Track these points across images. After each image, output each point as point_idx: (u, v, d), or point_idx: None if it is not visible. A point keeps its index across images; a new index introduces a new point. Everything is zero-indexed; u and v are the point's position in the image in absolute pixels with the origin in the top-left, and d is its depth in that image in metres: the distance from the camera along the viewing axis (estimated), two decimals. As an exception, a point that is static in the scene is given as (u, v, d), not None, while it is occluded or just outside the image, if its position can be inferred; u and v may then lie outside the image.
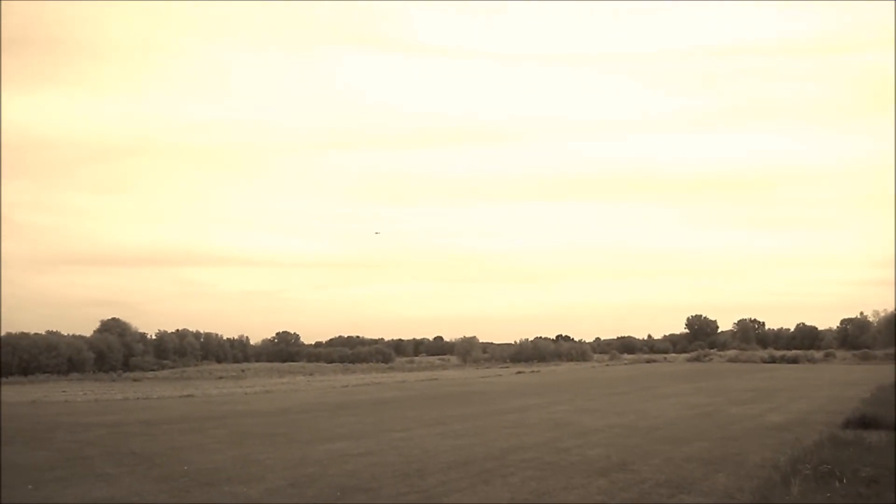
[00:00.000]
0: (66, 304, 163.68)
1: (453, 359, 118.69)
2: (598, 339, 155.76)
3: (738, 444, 16.65)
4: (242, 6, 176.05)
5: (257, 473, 13.40)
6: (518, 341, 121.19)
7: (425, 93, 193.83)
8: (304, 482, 12.51)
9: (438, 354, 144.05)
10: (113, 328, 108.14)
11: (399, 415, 25.35)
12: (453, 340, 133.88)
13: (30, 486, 12.27)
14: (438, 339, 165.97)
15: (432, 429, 20.52)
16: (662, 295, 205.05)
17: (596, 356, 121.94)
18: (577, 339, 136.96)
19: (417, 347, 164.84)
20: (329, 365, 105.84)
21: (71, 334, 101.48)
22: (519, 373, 67.20)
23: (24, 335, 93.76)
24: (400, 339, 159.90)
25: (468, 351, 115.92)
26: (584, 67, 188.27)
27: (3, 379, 76.64)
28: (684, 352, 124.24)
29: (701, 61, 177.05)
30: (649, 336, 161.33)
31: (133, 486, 12.26)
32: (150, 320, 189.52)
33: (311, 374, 78.94)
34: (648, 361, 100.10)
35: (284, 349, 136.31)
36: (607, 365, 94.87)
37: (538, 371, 71.78)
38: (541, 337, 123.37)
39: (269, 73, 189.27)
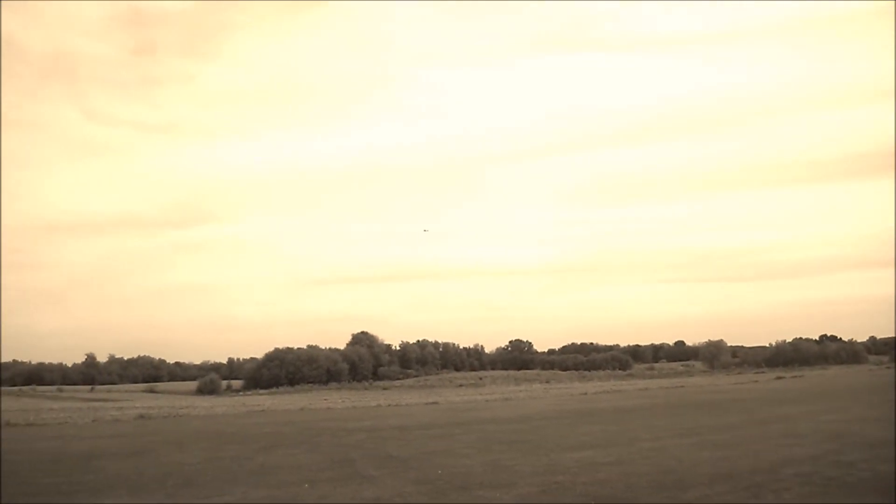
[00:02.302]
0: (323, 320, 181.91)
1: (698, 364, 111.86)
2: (872, 337, 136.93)
3: None
4: (437, 27, 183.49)
5: (508, 479, 13.33)
6: (774, 343, 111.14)
7: (629, 88, 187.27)
8: (555, 489, 12.18)
9: (681, 360, 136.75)
10: (362, 341, 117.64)
11: (646, 423, 24.08)
12: (697, 345, 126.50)
13: (306, 485, 13.33)
14: (680, 343, 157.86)
15: (686, 438, 19.11)
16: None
17: (872, 358, 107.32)
18: (845, 338, 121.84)
19: (657, 353, 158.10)
20: (564, 372, 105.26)
21: (328, 347, 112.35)
22: (778, 378, 61.06)
23: (289, 350, 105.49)
24: (637, 345, 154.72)
25: (715, 355, 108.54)
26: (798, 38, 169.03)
27: (275, 389, 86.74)
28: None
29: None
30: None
31: (395, 488, 12.80)
32: (395, 332, 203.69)
33: (547, 382, 78.96)
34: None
35: (518, 357, 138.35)
36: (888, 367, 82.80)
37: (801, 375, 64.81)
38: (801, 338, 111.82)
39: (477, 87, 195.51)
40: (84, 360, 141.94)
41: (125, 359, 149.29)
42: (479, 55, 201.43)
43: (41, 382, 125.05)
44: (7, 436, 24.52)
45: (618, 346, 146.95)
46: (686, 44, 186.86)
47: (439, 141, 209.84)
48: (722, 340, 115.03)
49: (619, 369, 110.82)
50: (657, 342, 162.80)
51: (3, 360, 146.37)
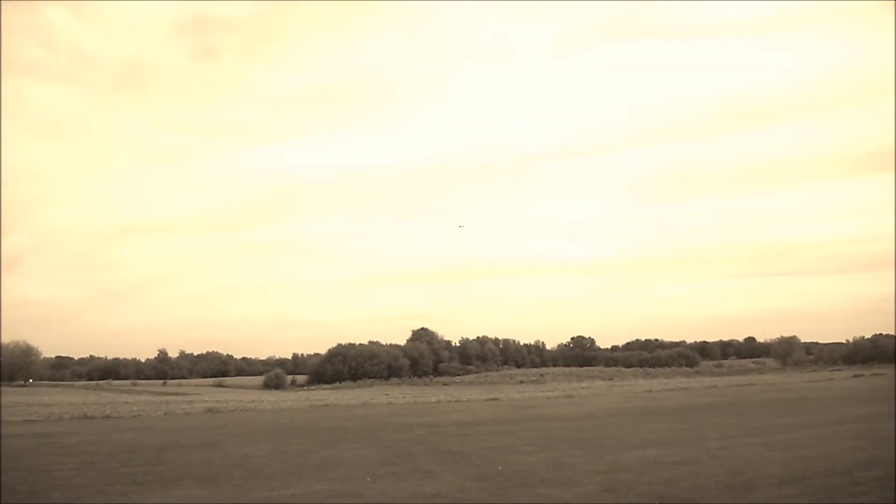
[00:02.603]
0: (384, 317, 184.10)
1: (770, 361, 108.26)
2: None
3: None
4: (491, 23, 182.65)
5: (570, 477, 13.17)
6: (851, 340, 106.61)
7: (690, 79, 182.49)
8: (618, 488, 11.96)
9: (751, 357, 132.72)
10: (422, 337, 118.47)
11: (713, 422, 23.42)
12: (768, 341, 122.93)
13: (368, 479, 13.48)
14: (750, 339, 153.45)
15: (755, 438, 18.50)
16: None
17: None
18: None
19: (725, 350, 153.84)
20: (628, 369, 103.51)
21: (389, 343, 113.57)
22: (857, 376, 58.46)
23: (351, 346, 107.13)
24: (704, 342, 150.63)
25: (788, 352, 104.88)
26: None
27: (338, 384, 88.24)
28: None
29: None
30: None
31: (455, 483, 12.81)
32: (454, 329, 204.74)
33: (610, 379, 77.82)
34: None
35: (580, 353, 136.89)
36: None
37: (881, 374, 61.91)
38: (881, 334, 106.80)
39: (533, 82, 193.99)
40: (156, 355, 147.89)
41: (195, 354, 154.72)
42: (534, 50, 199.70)
43: (117, 377, 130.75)
44: (86, 428, 25.69)
45: (684, 342, 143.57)
46: (748, 30, 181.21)
47: (497, 138, 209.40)
48: (795, 337, 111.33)
49: (686, 366, 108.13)
50: (726, 339, 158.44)
51: (81, 356, 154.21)
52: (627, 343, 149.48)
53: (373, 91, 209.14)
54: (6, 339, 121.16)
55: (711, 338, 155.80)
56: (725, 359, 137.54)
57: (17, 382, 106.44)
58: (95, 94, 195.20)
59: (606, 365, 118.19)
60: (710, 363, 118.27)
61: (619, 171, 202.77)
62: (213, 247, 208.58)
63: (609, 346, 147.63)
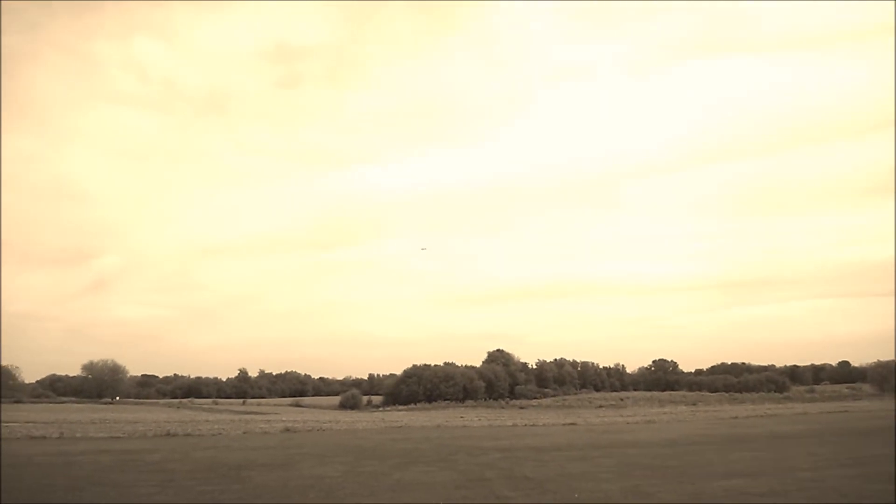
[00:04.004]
0: (459, 337, 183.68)
1: (866, 387, 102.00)
2: None
3: None
4: (569, 44, 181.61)
5: (650, 508, 12.59)
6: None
7: (772, 92, 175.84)
8: (703, 522, 11.32)
9: (845, 382, 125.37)
10: (498, 359, 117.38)
11: (803, 451, 22.11)
12: (865, 365, 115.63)
13: (440, 503, 13.25)
14: (844, 363, 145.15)
15: (851, 469, 17.31)
16: None
17: None
18: None
19: (817, 374, 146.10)
20: (713, 394, 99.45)
21: (464, 365, 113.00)
22: (959, 405, 54.48)
23: (426, 367, 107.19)
24: (794, 366, 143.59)
25: (886, 377, 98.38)
26: None
27: (413, 405, 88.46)
28: None
29: None
30: None
31: (528, 511, 12.44)
32: (531, 350, 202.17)
33: (694, 404, 75.10)
34: None
35: (662, 377, 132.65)
36: None
37: None
38: None
39: (613, 100, 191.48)
40: (237, 374, 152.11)
41: (273, 374, 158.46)
42: (611, 68, 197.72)
43: (199, 395, 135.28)
44: (168, 445, 26.50)
45: (773, 366, 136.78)
46: (831, 42, 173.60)
47: (576, 157, 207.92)
48: (893, 360, 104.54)
49: (775, 392, 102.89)
50: (818, 362, 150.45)
51: (165, 374, 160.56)
52: (712, 367, 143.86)
53: (451, 112, 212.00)
54: (96, 358, 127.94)
55: (802, 361, 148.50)
56: (818, 384, 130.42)
57: (104, 399, 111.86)
58: (183, 121, 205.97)
59: (690, 389, 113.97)
60: (801, 388, 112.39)
61: (701, 189, 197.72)
62: (293, 267, 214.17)
63: (693, 370, 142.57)
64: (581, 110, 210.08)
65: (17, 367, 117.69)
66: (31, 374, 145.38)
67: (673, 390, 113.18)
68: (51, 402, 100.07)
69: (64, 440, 28.90)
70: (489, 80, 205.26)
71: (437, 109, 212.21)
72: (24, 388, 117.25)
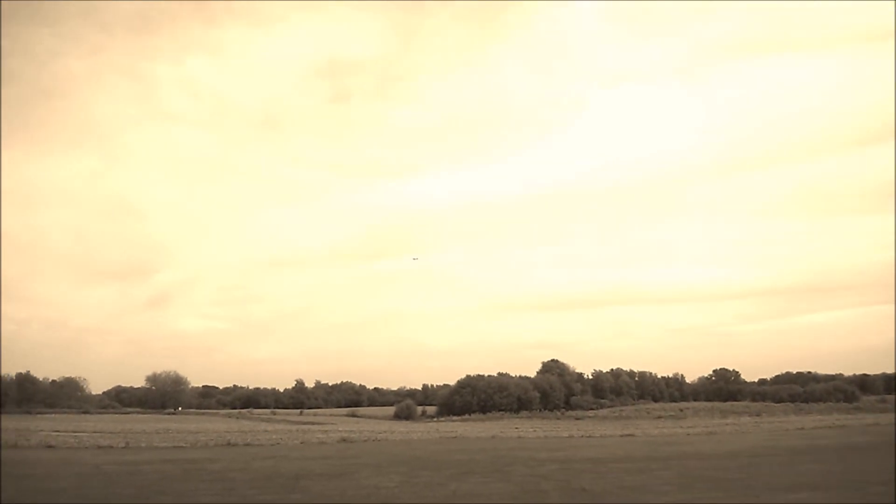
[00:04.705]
0: (513, 347, 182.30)
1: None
2: None
3: None
4: (620, 44, 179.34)
5: (713, 522, 12.21)
6: None
7: (837, 91, 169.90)
8: (770, 537, 10.92)
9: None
10: (553, 369, 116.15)
11: (878, 464, 21.16)
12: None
13: (496, 515, 13.14)
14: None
15: (930, 484, 16.46)
16: None
17: None
18: None
19: (889, 383, 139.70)
20: (777, 405, 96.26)
21: (518, 375, 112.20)
22: None
23: (480, 377, 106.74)
24: (865, 374, 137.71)
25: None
26: None
27: (467, 416, 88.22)
28: None
29: None
30: None
31: (587, 524, 12.21)
32: (586, 360, 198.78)
33: (757, 415, 72.85)
34: None
35: (724, 387, 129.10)
36: None
37: None
38: None
39: (667, 102, 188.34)
40: (294, 385, 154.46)
41: (329, 384, 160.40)
42: (668, 68, 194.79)
43: (257, 406, 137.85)
44: (228, 455, 27.03)
45: (841, 375, 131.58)
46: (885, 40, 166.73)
47: (628, 161, 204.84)
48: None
49: (844, 402, 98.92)
50: (889, 371, 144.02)
51: (225, 385, 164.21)
52: (777, 376, 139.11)
53: (501, 121, 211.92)
54: (158, 370, 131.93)
55: (873, 370, 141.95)
56: (889, 393, 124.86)
57: (167, 410, 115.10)
58: (236, 137, 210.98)
59: (753, 400, 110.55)
60: (873, 398, 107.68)
61: (762, 192, 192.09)
62: (348, 278, 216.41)
63: (756, 380, 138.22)
64: (634, 113, 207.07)
65: (84, 379, 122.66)
66: (97, 385, 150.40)
67: (735, 400, 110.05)
68: (116, 413, 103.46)
69: (129, 450, 29.78)
70: (538, 86, 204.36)
71: (487, 118, 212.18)
72: (91, 399, 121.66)
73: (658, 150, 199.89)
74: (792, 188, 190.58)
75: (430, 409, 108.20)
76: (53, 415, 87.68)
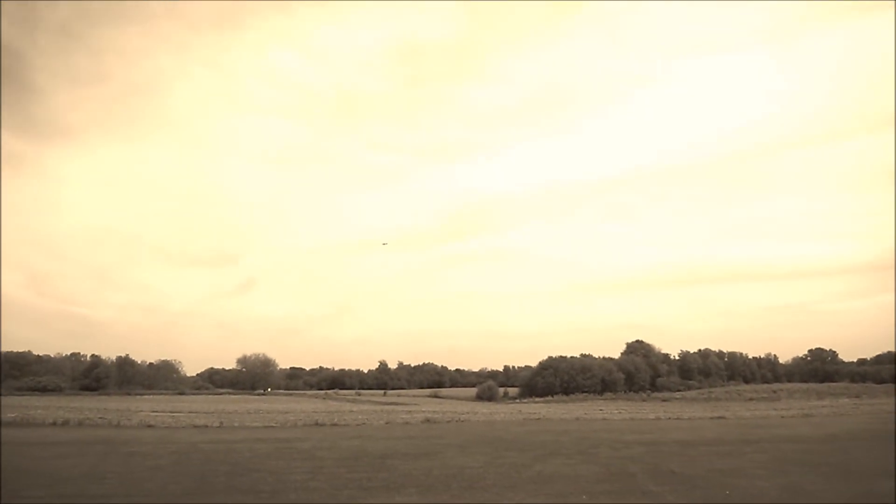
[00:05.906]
0: (596, 328, 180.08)
1: None
2: None
3: None
4: (698, 12, 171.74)
5: (813, 507, 11.73)
6: None
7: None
8: (875, 524, 10.40)
9: None
10: (638, 350, 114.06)
11: None
12: None
13: (584, 496, 13.05)
14: None
15: None
16: None
17: None
18: None
19: None
20: (879, 385, 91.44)
21: (602, 356, 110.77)
22: None
23: (562, 358, 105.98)
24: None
25: None
26: None
27: (550, 397, 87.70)
28: None
29: None
30: None
31: (677, 507, 11.97)
32: (673, 341, 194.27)
33: (857, 397, 69.48)
34: None
35: (820, 368, 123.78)
36: None
37: None
38: None
39: (750, 72, 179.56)
40: (377, 366, 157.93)
41: (412, 366, 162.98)
42: (751, 35, 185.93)
43: (342, 387, 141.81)
44: (316, 434, 27.89)
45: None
46: None
47: (710, 134, 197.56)
48: None
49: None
50: None
51: (312, 367, 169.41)
52: (878, 356, 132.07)
53: (575, 97, 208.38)
54: (247, 352, 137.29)
55: None
56: None
57: (257, 391, 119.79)
58: (317, 124, 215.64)
59: (852, 380, 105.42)
60: None
61: (861, 161, 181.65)
62: (429, 260, 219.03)
63: (855, 360, 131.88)
64: (717, 84, 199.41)
65: (179, 362, 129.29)
66: (191, 367, 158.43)
67: (832, 381, 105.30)
68: (210, 394, 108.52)
69: (224, 429, 31.17)
70: (613, 62, 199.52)
71: (563, 95, 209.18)
72: (185, 380, 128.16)
73: (742, 122, 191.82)
74: (887, 158, 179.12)
75: (512, 391, 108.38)
76: (151, 396, 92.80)
